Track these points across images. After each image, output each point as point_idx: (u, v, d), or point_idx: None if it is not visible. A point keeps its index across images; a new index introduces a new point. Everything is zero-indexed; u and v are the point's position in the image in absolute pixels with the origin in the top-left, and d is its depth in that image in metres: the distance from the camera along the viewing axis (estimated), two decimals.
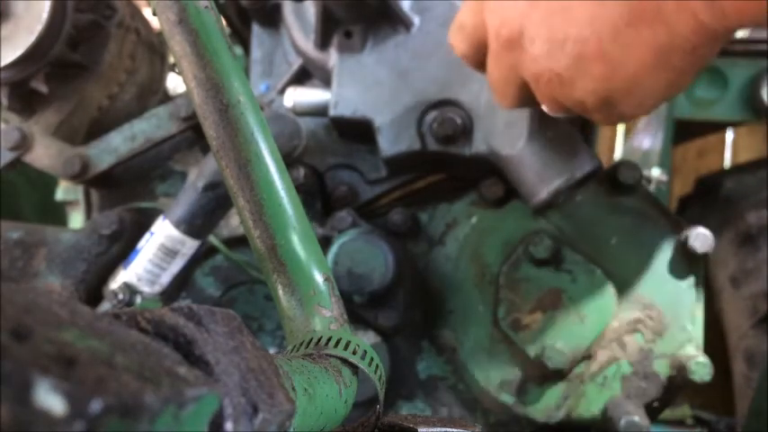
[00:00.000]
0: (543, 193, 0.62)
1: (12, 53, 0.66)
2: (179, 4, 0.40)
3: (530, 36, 0.49)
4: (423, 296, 0.70)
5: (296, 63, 0.75)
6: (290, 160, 0.71)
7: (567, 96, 0.50)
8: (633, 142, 1.57)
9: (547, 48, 0.48)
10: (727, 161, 1.66)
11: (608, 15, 0.44)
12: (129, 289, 0.67)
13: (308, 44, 0.70)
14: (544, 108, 0.55)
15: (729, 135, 1.63)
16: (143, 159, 0.76)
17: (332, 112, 0.66)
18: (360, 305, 0.65)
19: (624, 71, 0.46)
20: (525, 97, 0.54)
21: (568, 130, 0.64)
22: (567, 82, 0.49)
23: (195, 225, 0.67)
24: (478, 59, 0.56)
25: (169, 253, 0.67)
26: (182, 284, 0.74)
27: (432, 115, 0.65)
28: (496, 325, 0.68)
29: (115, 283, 0.68)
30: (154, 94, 0.85)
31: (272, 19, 0.78)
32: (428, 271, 0.71)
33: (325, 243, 0.66)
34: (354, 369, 0.35)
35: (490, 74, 0.55)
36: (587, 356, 0.66)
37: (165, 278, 0.69)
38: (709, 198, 1.15)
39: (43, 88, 0.72)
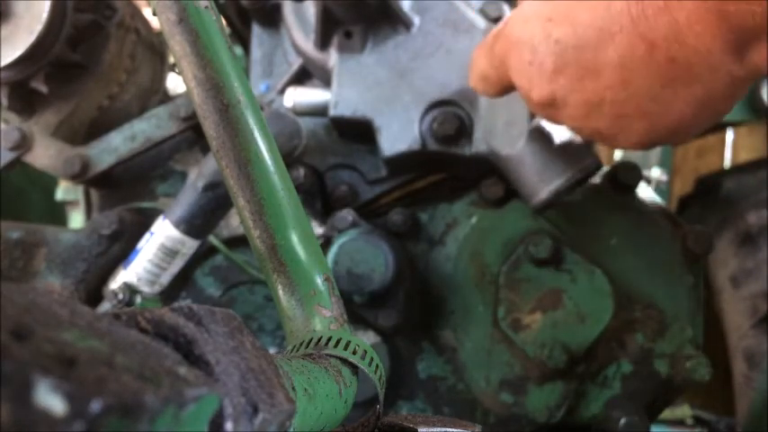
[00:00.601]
0: (543, 193, 0.62)
1: (12, 53, 0.66)
2: (179, 4, 0.40)
3: (563, 100, 0.48)
4: (423, 296, 0.70)
5: (296, 63, 0.75)
6: (290, 160, 0.71)
7: (609, 144, 0.51)
8: None
9: (583, 110, 0.48)
10: (727, 161, 1.66)
11: (641, 80, 0.44)
12: (129, 289, 0.67)
13: (308, 44, 0.70)
14: None
15: (729, 135, 1.63)
16: (143, 159, 0.76)
17: (332, 112, 0.66)
18: (360, 305, 0.65)
19: (665, 123, 0.46)
20: None
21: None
22: (609, 136, 0.49)
23: (195, 225, 0.67)
24: (508, 93, 0.57)
25: (169, 253, 0.67)
26: (181, 284, 0.74)
27: (432, 115, 0.65)
28: (496, 325, 0.68)
29: (115, 283, 0.68)
30: (154, 94, 0.85)
31: (272, 19, 0.78)
32: (428, 271, 0.71)
33: (325, 243, 0.66)
34: (354, 369, 0.35)
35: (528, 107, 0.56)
36: (587, 356, 0.66)
37: (165, 278, 0.69)
38: (709, 198, 1.15)
39: (43, 88, 0.72)
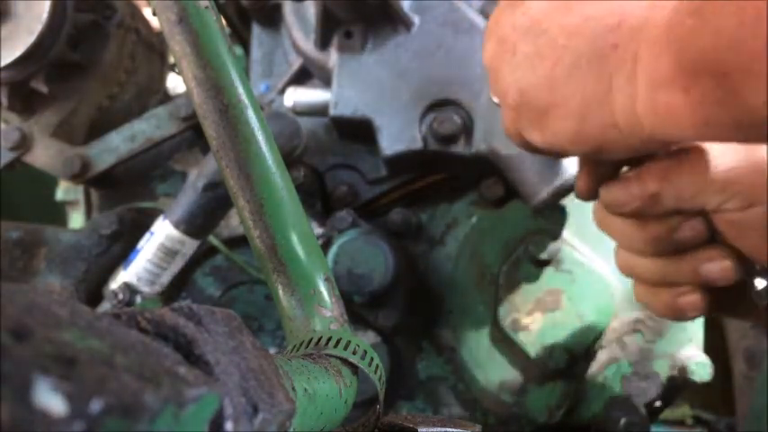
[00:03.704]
0: (543, 192, 0.62)
1: (12, 53, 0.66)
2: (179, 4, 0.40)
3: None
4: (423, 296, 0.70)
5: (296, 63, 0.75)
6: (290, 160, 0.71)
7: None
8: None
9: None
10: None
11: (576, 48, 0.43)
12: (129, 289, 0.67)
13: (308, 44, 0.70)
14: None
15: None
16: (143, 159, 0.76)
17: (332, 112, 0.66)
18: (360, 305, 0.65)
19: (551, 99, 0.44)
20: None
21: None
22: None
23: (195, 225, 0.67)
24: None
25: (169, 253, 0.67)
26: (181, 284, 0.74)
27: (432, 115, 0.65)
28: (496, 325, 0.68)
29: (115, 283, 0.68)
30: (154, 94, 0.85)
31: (272, 19, 0.78)
32: (428, 271, 0.71)
33: (325, 243, 0.66)
34: (354, 369, 0.35)
35: None
36: (587, 356, 0.66)
37: (165, 278, 0.69)
38: None
39: (43, 88, 0.72)
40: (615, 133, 0.39)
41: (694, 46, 0.32)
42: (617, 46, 0.38)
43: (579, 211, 0.68)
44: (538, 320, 0.66)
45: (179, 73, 0.43)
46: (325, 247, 0.65)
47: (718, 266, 0.44)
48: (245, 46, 0.86)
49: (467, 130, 0.65)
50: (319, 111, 0.68)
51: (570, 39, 0.41)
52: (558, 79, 0.41)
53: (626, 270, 0.50)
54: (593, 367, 0.67)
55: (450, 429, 0.33)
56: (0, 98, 0.72)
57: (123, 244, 0.71)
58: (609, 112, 0.39)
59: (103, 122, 0.77)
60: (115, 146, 0.74)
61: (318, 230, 0.70)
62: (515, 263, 0.68)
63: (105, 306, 0.68)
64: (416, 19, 0.66)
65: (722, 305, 0.47)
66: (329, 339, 0.35)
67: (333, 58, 0.67)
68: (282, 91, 0.73)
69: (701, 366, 0.63)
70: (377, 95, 0.66)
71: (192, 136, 0.76)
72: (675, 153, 0.43)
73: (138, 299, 0.67)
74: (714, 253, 0.44)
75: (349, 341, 0.35)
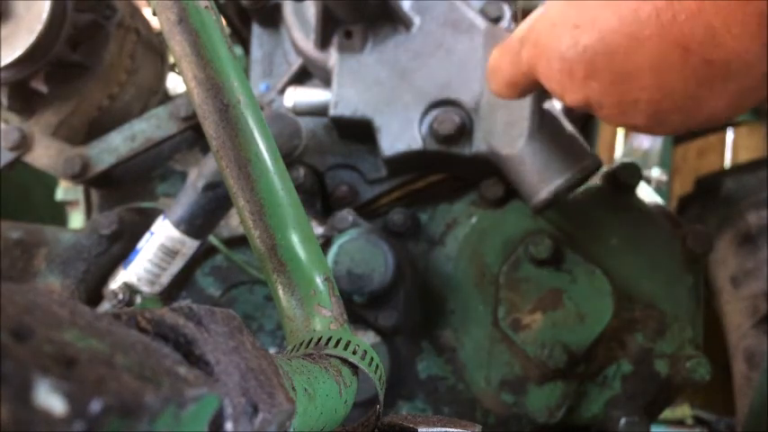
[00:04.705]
0: (543, 192, 0.62)
1: (12, 53, 0.66)
2: (179, 4, 0.40)
3: (597, 103, 0.49)
4: (423, 296, 0.70)
5: (296, 63, 0.75)
6: (289, 160, 0.71)
7: (648, 133, 0.52)
8: (633, 142, 1.57)
9: (618, 110, 0.48)
10: (728, 161, 1.66)
11: (676, 82, 0.44)
12: (129, 289, 0.67)
13: (308, 44, 0.70)
14: None
15: (729, 135, 1.63)
16: (143, 159, 0.76)
17: (332, 112, 0.66)
18: (360, 305, 0.65)
19: (701, 115, 0.46)
20: None
21: (569, 129, 0.64)
22: (647, 129, 0.49)
23: (195, 225, 0.67)
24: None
25: (169, 253, 0.67)
26: (182, 284, 0.74)
27: (432, 115, 0.65)
28: (496, 325, 0.68)
29: (115, 283, 0.68)
30: (154, 94, 0.85)
31: (272, 19, 0.78)
32: (428, 271, 0.71)
33: (325, 243, 0.66)
34: (354, 369, 0.35)
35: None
36: (587, 356, 0.66)
37: (165, 278, 0.69)
38: (709, 198, 1.15)
39: (43, 88, 0.72)
40: None
41: None
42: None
43: (579, 211, 0.68)
44: (538, 320, 0.66)
45: (179, 73, 0.43)
46: (325, 247, 0.65)
47: None
48: (245, 46, 0.86)
49: (467, 130, 0.65)
50: (319, 111, 0.68)
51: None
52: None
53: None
54: (593, 367, 0.67)
55: (450, 429, 0.33)
56: (0, 98, 0.72)
57: (123, 244, 0.71)
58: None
59: (103, 122, 0.77)
60: (115, 146, 0.74)
61: (318, 230, 0.70)
62: (515, 263, 0.68)
63: (105, 306, 0.68)
64: (416, 19, 0.66)
65: None
66: (329, 339, 0.35)
67: (333, 58, 0.67)
68: (282, 91, 0.73)
69: (700, 366, 0.63)
70: (377, 95, 0.66)
71: (192, 136, 0.76)
72: None
73: (138, 299, 0.67)
74: None
75: (349, 341, 0.35)
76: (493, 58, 0.57)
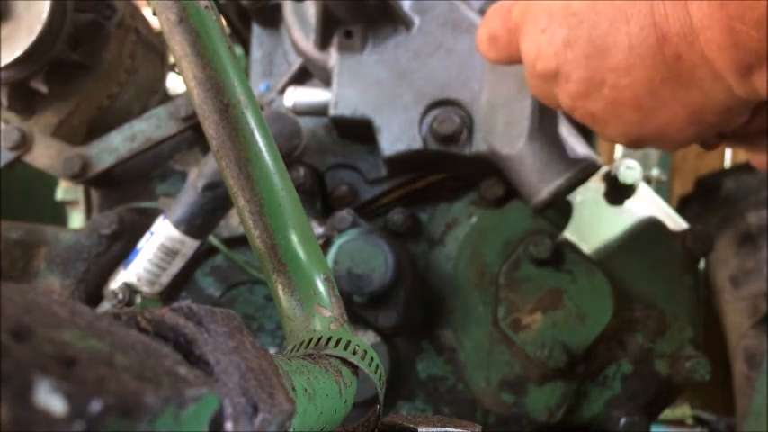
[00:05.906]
0: (543, 192, 0.62)
1: (12, 53, 0.66)
2: (179, 4, 0.40)
3: (565, 74, 0.49)
4: (423, 296, 0.70)
5: (296, 63, 0.75)
6: (289, 160, 0.71)
7: (599, 131, 0.52)
8: None
9: (583, 88, 0.48)
10: (727, 161, 1.66)
11: (644, 69, 0.44)
12: (129, 289, 0.67)
13: (308, 44, 0.70)
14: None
15: None
16: (143, 159, 0.76)
17: (332, 112, 0.66)
18: (360, 305, 0.65)
19: (656, 122, 0.47)
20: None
21: (569, 129, 0.64)
22: (600, 121, 0.50)
23: (195, 225, 0.67)
24: (511, 63, 0.57)
25: (169, 253, 0.67)
26: (182, 284, 0.74)
27: (432, 115, 0.65)
28: (496, 325, 0.68)
29: (115, 283, 0.68)
30: (154, 94, 0.85)
31: (272, 19, 0.78)
32: (428, 271, 0.71)
33: (325, 243, 0.66)
34: (354, 369, 0.35)
35: (527, 81, 0.56)
36: (587, 356, 0.66)
37: (165, 278, 0.69)
38: (709, 198, 1.15)
39: (43, 88, 0.72)
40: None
41: None
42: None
43: (579, 211, 0.68)
44: (538, 320, 0.66)
45: (179, 73, 0.43)
46: (325, 247, 0.65)
47: None
48: (245, 46, 0.86)
49: (467, 130, 0.65)
50: (319, 111, 0.68)
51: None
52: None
53: None
54: (593, 367, 0.67)
55: (450, 429, 0.33)
56: (0, 98, 0.72)
57: (123, 244, 0.71)
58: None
59: (103, 122, 0.77)
60: (115, 146, 0.74)
61: (318, 230, 0.70)
62: (515, 263, 0.68)
63: (105, 306, 0.68)
64: (416, 19, 0.66)
65: None
66: (329, 339, 0.35)
67: (333, 58, 0.67)
68: (282, 91, 0.73)
69: (700, 366, 0.63)
70: (377, 95, 0.66)
71: (192, 136, 0.76)
72: None
73: (138, 299, 0.67)
74: None
75: (349, 341, 0.35)
76: (488, 11, 0.58)
